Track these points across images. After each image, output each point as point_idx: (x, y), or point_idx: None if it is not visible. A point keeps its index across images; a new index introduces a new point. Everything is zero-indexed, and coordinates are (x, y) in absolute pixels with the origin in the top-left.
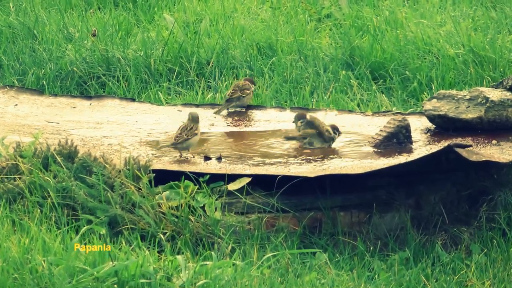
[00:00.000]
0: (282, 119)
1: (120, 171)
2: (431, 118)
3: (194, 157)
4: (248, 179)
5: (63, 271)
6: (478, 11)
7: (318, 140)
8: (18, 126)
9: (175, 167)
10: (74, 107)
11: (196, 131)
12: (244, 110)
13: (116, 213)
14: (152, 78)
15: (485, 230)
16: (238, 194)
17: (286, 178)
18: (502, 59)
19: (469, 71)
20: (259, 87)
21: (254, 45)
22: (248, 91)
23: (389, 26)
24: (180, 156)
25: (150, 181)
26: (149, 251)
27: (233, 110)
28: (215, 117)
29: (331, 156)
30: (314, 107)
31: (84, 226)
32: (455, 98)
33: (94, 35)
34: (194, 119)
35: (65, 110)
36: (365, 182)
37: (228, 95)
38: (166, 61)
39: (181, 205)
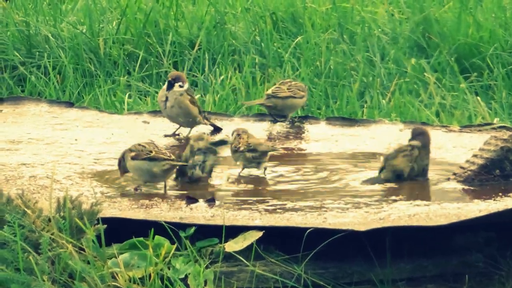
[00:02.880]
0: (315, 136)
1: (50, 220)
2: None
3: (166, 194)
4: (259, 234)
5: None
6: None
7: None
8: None
9: (140, 214)
10: None
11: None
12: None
13: None
14: (102, 70)
15: None
16: (242, 259)
17: (321, 233)
18: None
19: None
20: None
21: (268, 17)
22: None
23: None
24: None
25: (99, 237)
26: None
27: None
28: (205, 133)
29: (393, 197)
30: (364, 116)
31: None
32: None
33: None
34: None
35: None
36: (449, 239)
37: None
38: (123, 41)
39: (149, 275)
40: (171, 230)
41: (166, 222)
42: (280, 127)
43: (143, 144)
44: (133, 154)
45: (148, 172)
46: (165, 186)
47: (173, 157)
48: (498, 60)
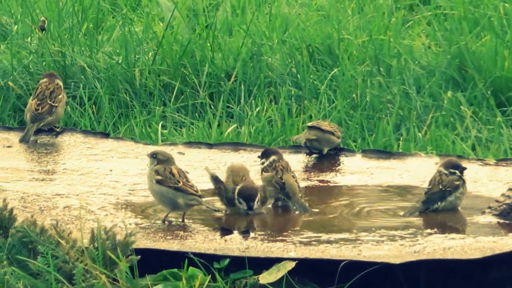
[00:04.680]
0: (350, 169)
1: (83, 251)
2: None
3: (184, 223)
4: (292, 264)
5: None
6: None
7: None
8: None
9: (173, 245)
10: (9, 146)
11: None
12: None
13: None
14: (137, 100)
15: None
16: None
17: (356, 266)
18: None
19: None
20: (311, 116)
21: (304, 48)
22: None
23: None
24: (164, 222)
25: (132, 268)
26: None
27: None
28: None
29: (428, 230)
30: (400, 149)
31: None
32: None
33: (42, 28)
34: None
35: None
36: (484, 273)
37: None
38: (159, 72)
39: None
40: (205, 261)
41: (200, 254)
42: (315, 159)
43: (173, 171)
44: (159, 177)
45: (171, 201)
46: (183, 215)
47: (200, 192)
48: None
